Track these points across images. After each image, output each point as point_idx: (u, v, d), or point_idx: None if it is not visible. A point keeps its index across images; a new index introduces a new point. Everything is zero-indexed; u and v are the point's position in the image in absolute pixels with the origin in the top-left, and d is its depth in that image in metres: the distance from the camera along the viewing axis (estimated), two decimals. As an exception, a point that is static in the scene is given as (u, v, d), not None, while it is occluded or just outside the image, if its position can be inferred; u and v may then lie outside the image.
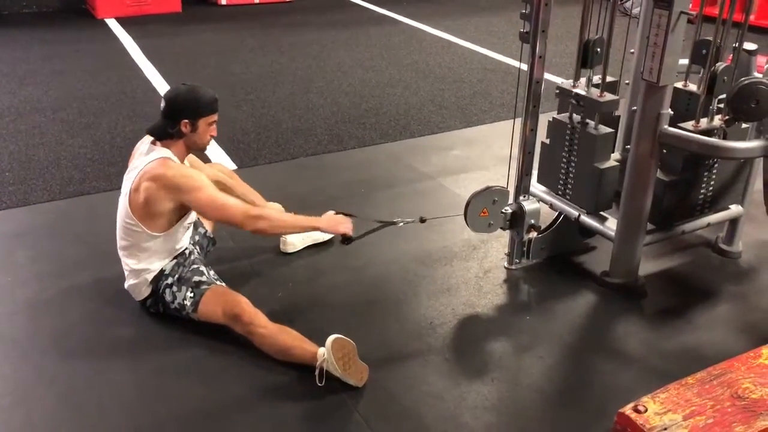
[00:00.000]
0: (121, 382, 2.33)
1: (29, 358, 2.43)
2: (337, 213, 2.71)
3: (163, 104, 2.46)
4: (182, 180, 2.40)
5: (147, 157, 2.46)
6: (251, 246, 3.04)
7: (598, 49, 2.78)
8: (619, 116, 3.13)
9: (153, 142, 2.49)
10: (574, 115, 2.84)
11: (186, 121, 2.44)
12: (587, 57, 2.77)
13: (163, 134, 2.47)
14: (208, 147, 2.60)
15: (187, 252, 2.61)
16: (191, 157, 2.79)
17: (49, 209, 3.43)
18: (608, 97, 2.69)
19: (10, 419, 2.18)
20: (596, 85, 2.77)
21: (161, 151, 2.46)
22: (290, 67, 5.70)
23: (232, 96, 5.01)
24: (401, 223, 2.78)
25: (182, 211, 2.50)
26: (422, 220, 2.83)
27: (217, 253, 2.91)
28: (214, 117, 2.52)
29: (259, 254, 3.02)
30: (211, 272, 2.61)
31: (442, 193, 3.63)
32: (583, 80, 2.82)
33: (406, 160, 4.03)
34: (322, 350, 2.26)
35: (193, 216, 2.63)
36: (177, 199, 2.42)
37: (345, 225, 2.60)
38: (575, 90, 2.76)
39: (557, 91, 2.84)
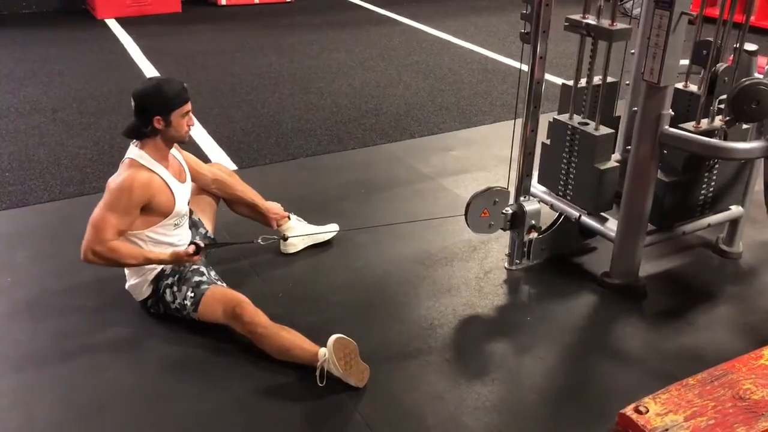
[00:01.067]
0: (121, 382, 2.33)
1: (30, 359, 2.43)
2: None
3: (132, 103, 2.41)
4: (110, 188, 2.39)
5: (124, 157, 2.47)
6: (251, 247, 3.03)
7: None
8: (619, 117, 3.13)
9: (135, 143, 2.48)
10: (575, 116, 2.85)
11: (158, 117, 2.39)
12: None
13: (139, 134, 2.44)
14: (187, 138, 2.53)
15: (187, 252, 2.60)
16: (191, 157, 2.79)
17: (49, 210, 3.43)
18: (620, 25, 2.61)
19: (11, 419, 2.18)
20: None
21: (133, 152, 2.44)
22: (290, 68, 5.70)
23: (232, 96, 5.01)
24: (261, 242, 2.78)
25: (157, 210, 2.46)
26: (284, 238, 2.90)
27: (218, 254, 2.91)
28: (187, 107, 2.45)
29: (260, 255, 3.02)
30: (212, 272, 2.60)
31: (442, 194, 3.63)
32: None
33: (406, 160, 4.03)
34: (323, 350, 2.25)
35: (182, 215, 2.58)
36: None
37: (188, 257, 2.48)
38: (585, 20, 2.68)
39: (566, 24, 2.73)
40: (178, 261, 2.49)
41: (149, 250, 2.49)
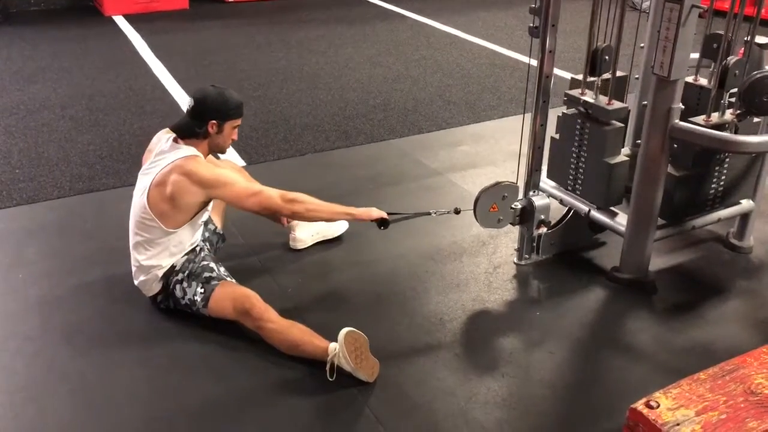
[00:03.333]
0: (132, 377, 2.34)
1: (41, 354, 2.45)
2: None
3: (191, 103, 2.48)
4: (215, 175, 2.45)
5: (173, 153, 2.47)
6: (261, 242, 3.05)
7: (607, 57, 2.75)
8: (629, 110, 3.12)
9: (175, 140, 2.50)
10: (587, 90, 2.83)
11: (214, 122, 2.47)
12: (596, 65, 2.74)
13: (190, 133, 2.49)
14: (227, 150, 2.65)
15: (197, 248, 2.62)
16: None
17: (58, 206, 3.44)
18: (617, 104, 2.67)
19: (23, 414, 2.19)
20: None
21: (189, 149, 2.48)
22: (298, 64, 5.70)
23: (240, 93, 4.89)
24: (434, 214, 2.86)
25: (202, 207, 2.52)
26: (457, 212, 2.88)
27: (227, 250, 2.92)
28: (239, 121, 2.57)
29: (269, 250, 3.02)
30: (222, 268, 2.61)
31: (450, 189, 3.62)
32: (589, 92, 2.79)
33: (414, 155, 4.03)
34: (333, 345, 2.26)
35: (206, 213, 2.64)
36: (209, 194, 2.46)
37: (379, 212, 2.68)
38: (583, 98, 2.74)
39: (565, 98, 2.84)
40: (364, 216, 2.67)
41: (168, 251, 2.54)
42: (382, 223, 2.70)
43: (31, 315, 2.65)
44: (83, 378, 2.34)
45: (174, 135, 2.52)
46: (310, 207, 2.52)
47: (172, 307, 2.57)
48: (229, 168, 2.94)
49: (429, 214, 2.86)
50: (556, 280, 2.87)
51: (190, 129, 2.49)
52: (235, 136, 2.59)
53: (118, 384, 2.31)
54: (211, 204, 2.61)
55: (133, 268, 2.59)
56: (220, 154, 2.69)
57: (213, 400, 2.24)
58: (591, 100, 2.73)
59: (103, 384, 2.31)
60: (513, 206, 2.79)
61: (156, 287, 2.57)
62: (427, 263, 2.97)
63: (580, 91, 2.80)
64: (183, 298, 2.51)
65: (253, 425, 2.15)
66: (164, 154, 2.48)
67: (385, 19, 7.21)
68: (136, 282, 2.62)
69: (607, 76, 2.79)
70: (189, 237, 2.57)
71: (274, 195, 2.47)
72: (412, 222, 2.92)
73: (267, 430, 2.13)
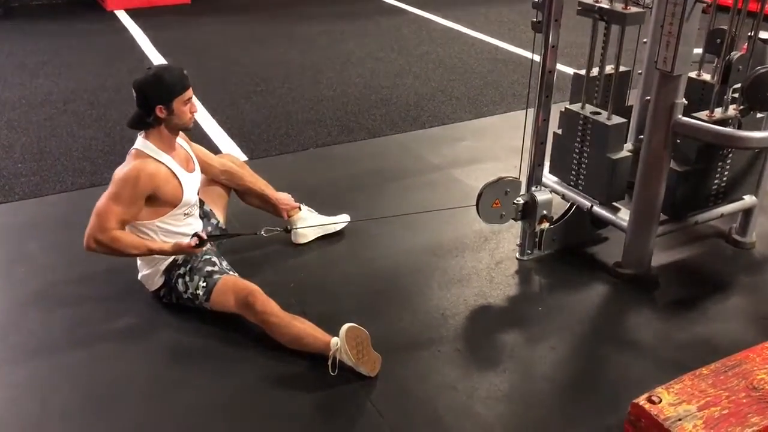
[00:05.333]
0: (134, 371, 2.35)
1: (43, 348, 2.45)
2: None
3: (134, 94, 2.41)
4: (118, 177, 2.40)
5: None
6: (263, 237, 3.04)
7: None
8: (631, 106, 3.11)
9: (142, 133, 2.49)
10: (587, 105, 2.83)
11: (160, 106, 2.39)
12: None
13: (142, 124, 2.45)
14: (191, 124, 2.52)
15: (199, 242, 2.61)
16: (200, 149, 2.80)
17: (61, 200, 3.45)
18: (634, 9, 2.58)
19: (26, 407, 2.20)
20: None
21: (138, 142, 2.46)
22: (299, 59, 5.69)
23: (242, 87, 5.01)
24: (263, 233, 2.73)
25: (165, 200, 2.47)
26: (287, 230, 2.86)
27: (229, 244, 2.91)
28: (188, 93, 2.44)
29: (271, 245, 3.02)
30: (224, 262, 2.61)
31: (452, 185, 3.62)
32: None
33: (417, 151, 4.02)
34: (335, 339, 2.26)
35: (191, 204, 2.59)
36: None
37: (190, 248, 2.48)
38: (598, 4, 2.65)
39: (579, 8, 2.70)
40: (180, 252, 2.49)
41: (152, 240, 2.50)
42: (200, 242, 2.48)
43: (33, 309, 2.65)
44: (85, 371, 2.34)
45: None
46: (114, 246, 2.39)
47: (174, 302, 2.58)
48: (229, 162, 2.93)
49: (255, 234, 2.72)
50: (558, 275, 2.87)
51: (141, 120, 2.43)
52: (193, 109, 2.47)
53: (120, 377, 2.32)
54: (195, 196, 2.58)
55: (138, 262, 2.60)
56: (183, 131, 2.57)
57: (215, 394, 2.24)
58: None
59: (105, 377, 2.32)
60: (515, 202, 2.79)
61: (158, 281, 2.57)
62: (429, 258, 2.97)
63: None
64: (185, 292, 2.51)
65: (255, 419, 2.15)
66: None
67: (388, 14, 7.20)
68: (139, 276, 2.62)
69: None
70: (181, 229, 2.55)
71: (92, 228, 2.37)
72: (413, 218, 2.92)
73: (269, 424, 2.14)
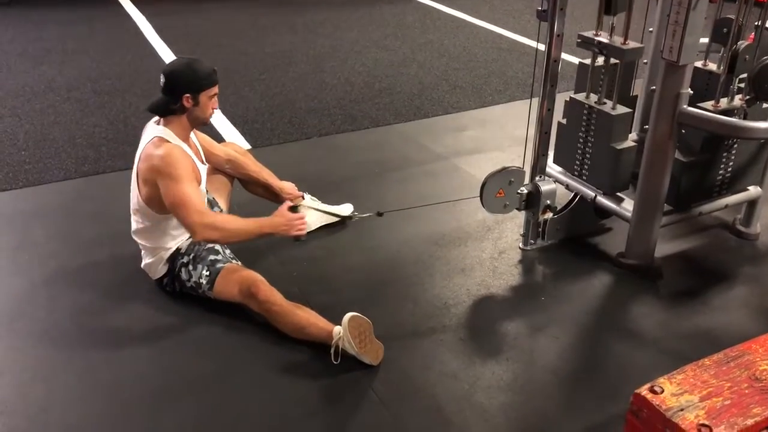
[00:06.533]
0: (138, 358, 2.36)
1: (48, 335, 2.46)
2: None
3: (162, 80, 2.42)
4: (164, 164, 2.36)
5: (146, 136, 2.47)
6: (350, 220, 3.04)
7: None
8: (636, 96, 3.10)
9: (157, 121, 2.49)
10: (592, 95, 2.82)
11: (188, 95, 2.41)
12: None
13: (166, 110, 2.45)
14: (209, 121, 2.54)
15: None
16: (204, 137, 2.80)
17: (64, 188, 3.45)
18: (632, 44, 2.60)
19: (30, 393, 2.21)
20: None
21: (157, 130, 2.45)
22: (303, 47, 5.67)
23: (245, 75, 5.00)
24: (356, 218, 2.75)
25: None
26: (379, 214, 2.82)
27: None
28: (215, 89, 2.47)
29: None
30: (227, 251, 2.62)
31: (456, 174, 3.61)
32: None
33: (420, 140, 4.01)
34: (338, 328, 2.26)
35: (204, 194, 2.60)
36: (158, 182, 2.37)
37: (297, 227, 2.52)
38: (597, 38, 2.67)
39: (578, 41, 2.73)
40: (284, 233, 2.48)
41: (178, 233, 2.51)
42: (297, 239, 2.50)
43: (38, 296, 2.66)
44: (89, 358, 2.35)
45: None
46: (226, 234, 2.40)
47: (177, 290, 2.58)
48: (233, 151, 2.93)
49: (350, 218, 2.73)
50: (562, 265, 2.87)
51: (165, 107, 2.43)
52: (215, 105, 2.50)
53: (124, 365, 2.33)
54: (205, 187, 2.59)
55: (142, 250, 2.60)
56: (201, 126, 2.57)
57: (218, 383, 2.25)
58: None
59: (109, 365, 2.33)
60: (519, 191, 2.78)
61: (162, 270, 2.58)
62: (431, 248, 2.97)
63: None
64: (188, 280, 2.52)
65: (258, 407, 2.16)
66: (144, 136, 2.48)
67: (392, 2, 7.16)
68: (142, 265, 2.63)
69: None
70: None
71: (193, 216, 2.33)
72: (416, 208, 2.90)
73: (272, 412, 2.15)
